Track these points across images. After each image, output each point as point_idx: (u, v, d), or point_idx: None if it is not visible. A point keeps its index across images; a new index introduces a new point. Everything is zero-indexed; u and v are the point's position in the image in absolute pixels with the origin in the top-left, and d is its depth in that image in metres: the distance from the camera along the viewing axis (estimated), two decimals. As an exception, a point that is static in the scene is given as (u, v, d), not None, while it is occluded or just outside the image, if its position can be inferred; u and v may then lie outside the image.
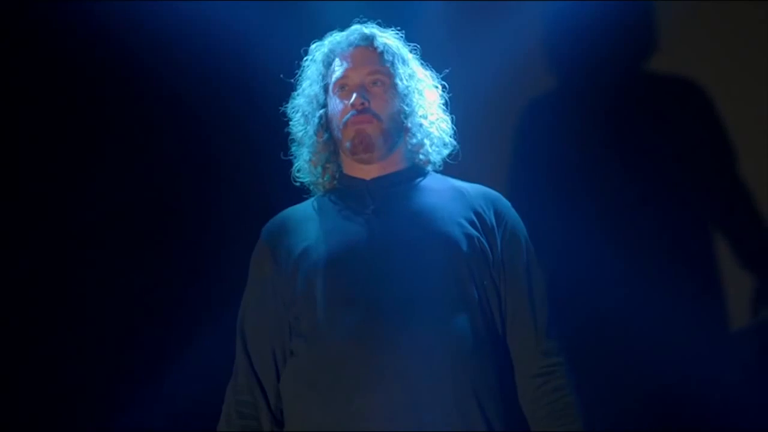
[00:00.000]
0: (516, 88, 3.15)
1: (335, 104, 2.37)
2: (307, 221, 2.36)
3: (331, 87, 2.39)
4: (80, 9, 3.08)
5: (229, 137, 3.23)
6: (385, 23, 2.45)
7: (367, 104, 2.32)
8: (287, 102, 2.50)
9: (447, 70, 2.47)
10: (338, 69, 2.38)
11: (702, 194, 3.11)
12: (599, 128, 3.18)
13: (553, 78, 3.20)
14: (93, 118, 3.18)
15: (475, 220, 2.31)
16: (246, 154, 3.22)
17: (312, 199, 2.44)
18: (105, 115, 3.19)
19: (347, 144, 2.34)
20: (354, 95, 2.32)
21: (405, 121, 2.37)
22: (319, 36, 2.49)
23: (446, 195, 2.36)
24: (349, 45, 2.39)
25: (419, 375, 2.16)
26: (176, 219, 3.22)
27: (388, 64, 2.37)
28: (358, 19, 2.48)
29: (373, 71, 2.36)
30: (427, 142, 2.40)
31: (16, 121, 3.14)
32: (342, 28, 2.47)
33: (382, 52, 2.38)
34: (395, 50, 2.40)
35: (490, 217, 2.33)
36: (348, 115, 2.33)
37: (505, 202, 2.38)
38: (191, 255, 3.21)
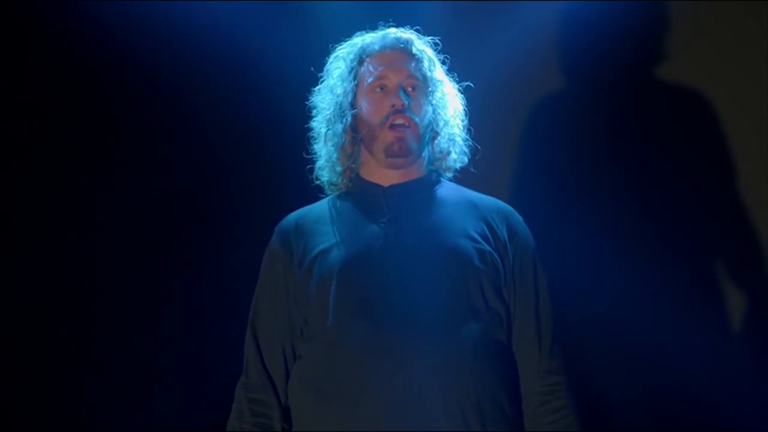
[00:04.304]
0: (516, 89, 3.16)
1: (370, 104, 2.34)
2: (322, 223, 2.36)
3: (364, 87, 2.36)
4: (88, 10, 3.09)
5: (237, 137, 3.24)
6: (385, 23, 2.45)
7: (407, 105, 2.31)
8: (296, 102, 2.50)
9: (469, 84, 2.47)
10: (374, 70, 2.35)
11: (703, 196, 3.11)
12: (600, 131, 3.18)
13: (554, 80, 3.20)
14: (101, 118, 3.19)
15: (488, 234, 2.31)
16: (254, 153, 3.22)
17: (326, 199, 2.44)
18: (113, 116, 3.20)
19: (383, 145, 2.32)
20: (394, 95, 2.31)
21: (436, 129, 2.37)
22: (328, 37, 2.49)
23: (460, 207, 2.36)
24: (385, 47, 2.37)
25: (425, 383, 2.17)
26: (184, 218, 3.22)
27: (426, 71, 2.36)
28: (366, 20, 2.48)
29: (411, 75, 2.35)
30: (453, 150, 2.40)
31: (31, 125, 3.16)
32: (347, 29, 2.47)
33: (420, 59, 2.37)
34: (431, 57, 2.39)
35: (503, 232, 2.33)
36: (386, 115, 2.31)
37: (517, 217, 2.38)
38: (200, 255, 3.21)
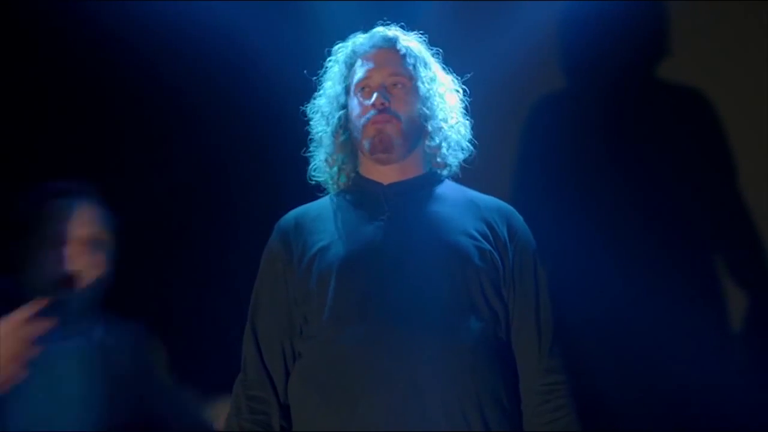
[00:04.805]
0: (516, 89, 3.16)
1: (356, 104, 2.37)
2: (322, 220, 2.36)
3: (352, 88, 2.39)
4: (88, 10, 3.09)
5: (237, 137, 3.24)
6: (385, 23, 2.46)
7: (387, 104, 2.32)
8: (296, 102, 2.51)
9: (468, 75, 2.48)
10: (360, 70, 2.38)
11: (703, 196, 3.11)
12: (600, 131, 3.18)
13: (554, 80, 3.20)
14: (101, 118, 3.19)
15: (488, 233, 2.31)
16: (254, 152, 3.22)
17: (327, 197, 2.44)
18: (113, 116, 3.20)
19: (366, 143, 2.34)
20: (375, 95, 2.33)
21: (425, 124, 2.37)
22: (327, 37, 2.50)
23: (460, 206, 2.36)
24: (372, 47, 2.40)
25: (425, 381, 2.17)
26: (184, 217, 3.22)
27: (410, 67, 2.37)
28: (366, 19, 2.49)
29: (395, 73, 2.36)
30: (444, 145, 2.40)
31: (31, 125, 3.16)
32: (347, 29, 2.48)
33: (404, 55, 2.38)
34: (417, 53, 2.40)
35: (503, 232, 2.33)
36: (368, 115, 2.33)
37: (518, 217, 2.39)
38: (199, 254, 3.21)
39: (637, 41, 3.14)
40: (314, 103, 2.47)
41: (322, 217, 2.38)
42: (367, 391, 2.17)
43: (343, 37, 2.49)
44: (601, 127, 3.17)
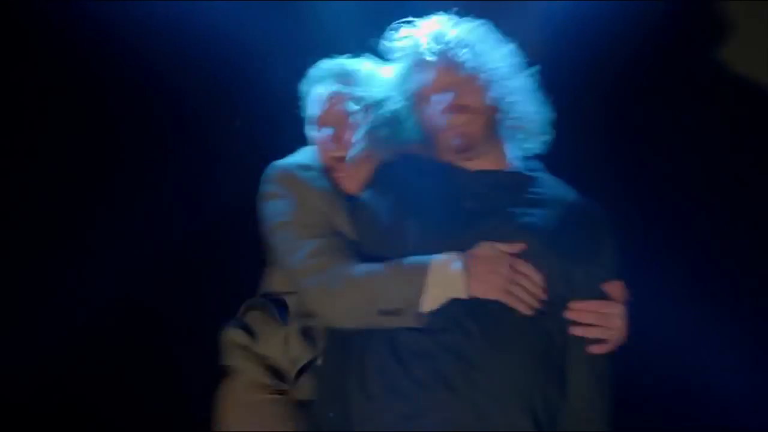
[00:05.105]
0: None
1: (428, 110, 2.38)
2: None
3: (420, 93, 2.40)
4: (88, 10, 3.10)
5: (236, 136, 3.24)
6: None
7: (458, 103, 2.34)
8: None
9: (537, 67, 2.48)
10: (422, 76, 2.39)
11: (703, 195, 3.11)
12: (600, 130, 3.18)
13: (554, 79, 3.19)
14: (101, 118, 3.20)
15: (565, 235, 2.30)
16: (253, 152, 3.22)
17: None
18: (113, 116, 3.21)
19: (447, 147, 2.37)
20: (446, 96, 2.34)
21: (495, 115, 2.39)
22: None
23: (548, 202, 2.36)
24: (431, 51, 2.39)
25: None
26: (183, 217, 3.23)
27: (461, 59, 2.38)
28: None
29: (450, 70, 2.37)
30: (524, 126, 2.44)
31: (31, 125, 3.16)
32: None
33: (461, 51, 2.39)
34: (471, 43, 2.41)
35: (586, 235, 2.33)
36: (443, 119, 2.35)
37: (605, 217, 2.40)
38: (202, 254, 3.21)
39: (637, 41, 3.14)
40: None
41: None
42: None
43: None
44: (601, 127, 3.17)
